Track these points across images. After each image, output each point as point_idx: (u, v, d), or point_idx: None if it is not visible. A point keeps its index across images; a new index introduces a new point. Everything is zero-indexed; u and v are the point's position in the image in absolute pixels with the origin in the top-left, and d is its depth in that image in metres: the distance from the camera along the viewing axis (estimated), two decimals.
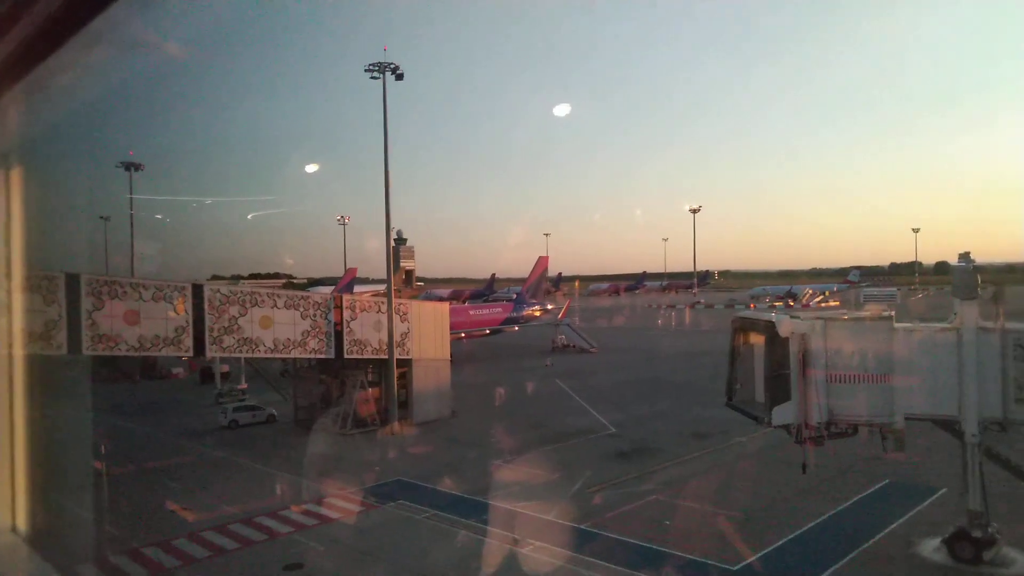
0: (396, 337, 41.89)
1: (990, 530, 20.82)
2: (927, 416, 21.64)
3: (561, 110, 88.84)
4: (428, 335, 44.97)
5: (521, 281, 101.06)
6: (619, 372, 64.21)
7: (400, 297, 52.88)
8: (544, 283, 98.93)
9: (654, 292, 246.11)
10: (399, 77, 41.88)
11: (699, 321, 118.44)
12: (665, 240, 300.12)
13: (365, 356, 41.61)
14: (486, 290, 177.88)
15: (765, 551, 22.28)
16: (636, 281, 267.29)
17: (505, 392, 53.36)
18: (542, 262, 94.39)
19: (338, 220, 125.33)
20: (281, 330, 37.94)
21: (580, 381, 58.33)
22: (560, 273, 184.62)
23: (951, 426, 21.42)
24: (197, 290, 35.60)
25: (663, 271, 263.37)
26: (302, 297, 40.26)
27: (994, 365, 20.44)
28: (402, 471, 33.19)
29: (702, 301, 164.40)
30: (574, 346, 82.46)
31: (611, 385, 56.61)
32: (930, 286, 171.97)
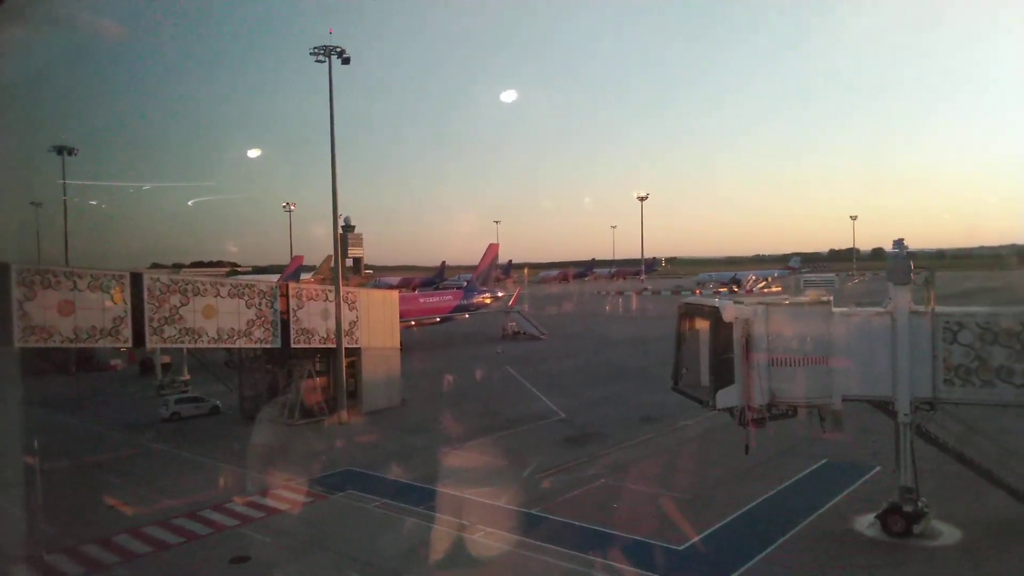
0: (344, 326, 41.36)
1: (920, 504, 21.79)
2: (863, 397, 22.45)
3: (509, 96, 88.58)
4: (377, 323, 44.54)
5: (471, 268, 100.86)
6: (569, 358, 64.80)
7: (348, 285, 52.08)
8: (494, 270, 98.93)
9: (603, 279, 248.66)
10: (345, 61, 41.11)
11: (646, 307, 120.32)
12: (614, 228, 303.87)
13: (312, 345, 40.98)
14: (436, 278, 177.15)
15: (709, 531, 22.85)
16: (585, 268, 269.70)
17: (455, 380, 53.33)
18: (492, 249, 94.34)
19: (284, 207, 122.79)
20: (225, 319, 37.04)
21: (530, 367, 58.70)
22: (510, 260, 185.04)
23: (885, 406, 22.28)
24: (136, 279, 34.44)
25: (612, 258, 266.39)
26: (247, 285, 39.32)
27: (925, 347, 21.31)
28: (351, 460, 32.89)
29: (649, 288, 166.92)
30: (524, 333, 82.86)
31: (561, 371, 57.11)
32: (867, 272, 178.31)
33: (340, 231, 48.33)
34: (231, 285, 38.39)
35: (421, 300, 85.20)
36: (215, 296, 36.84)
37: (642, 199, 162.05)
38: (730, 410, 22.73)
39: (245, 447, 34.43)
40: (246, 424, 39.82)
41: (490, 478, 28.94)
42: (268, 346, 39.52)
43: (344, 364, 41.43)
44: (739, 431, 23.18)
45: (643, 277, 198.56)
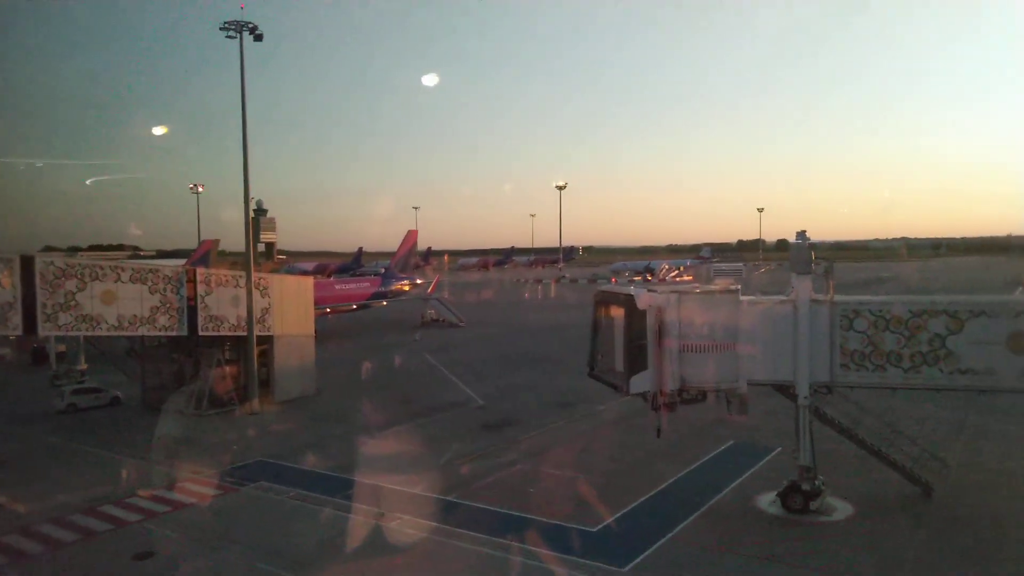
0: (256, 313, 40.02)
1: (817, 482, 23.05)
2: (767, 381, 23.51)
3: (430, 80, 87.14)
4: (291, 310, 43.34)
5: (390, 255, 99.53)
6: (488, 345, 65.01)
7: (261, 271, 50.42)
8: (413, 257, 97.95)
9: (522, 267, 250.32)
10: (258, 38, 39.50)
11: (564, 295, 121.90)
12: (533, 216, 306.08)
13: (222, 333, 39.48)
14: (353, 264, 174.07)
15: (623, 512, 23.48)
16: (504, 256, 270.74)
17: (372, 367, 52.63)
18: (411, 236, 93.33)
19: (192, 188, 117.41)
20: (126, 306, 35.19)
21: (449, 355, 58.56)
22: (430, 247, 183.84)
23: (786, 390, 23.41)
24: (27, 262, 32.24)
25: (531, 246, 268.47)
26: (150, 270, 37.44)
27: (824, 334, 22.47)
28: (263, 451, 31.96)
29: (567, 276, 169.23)
30: (443, 320, 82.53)
31: (480, 358, 57.22)
32: (772, 262, 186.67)
33: (252, 215, 46.61)
34: (133, 270, 36.46)
35: (337, 287, 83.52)
36: (115, 281, 34.94)
37: (561, 188, 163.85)
38: (643, 395, 23.35)
39: (149, 439, 32.92)
40: (150, 415, 38.04)
41: (407, 466, 28.76)
42: (174, 334, 37.82)
43: (256, 352, 40.13)
44: (652, 415, 23.88)
45: (561, 265, 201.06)
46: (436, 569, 20.10)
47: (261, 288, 41.19)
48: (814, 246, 23.39)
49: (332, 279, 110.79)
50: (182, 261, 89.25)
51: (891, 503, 23.69)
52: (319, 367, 45.64)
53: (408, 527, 22.57)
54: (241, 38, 38.97)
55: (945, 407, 33.36)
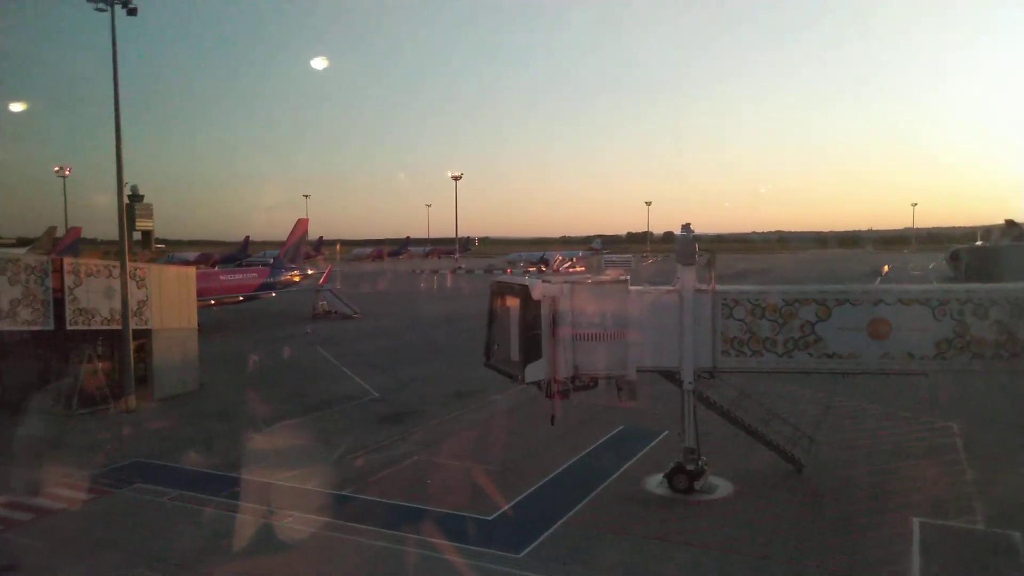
0: (132, 305, 37.55)
1: (700, 463, 24.25)
2: (654, 368, 24.44)
3: (319, 64, 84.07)
4: (171, 302, 41.01)
5: (278, 244, 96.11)
6: (383, 337, 64.10)
7: (137, 260, 47.41)
8: (304, 247, 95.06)
9: (418, 257, 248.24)
10: (131, 12, 36.85)
11: (460, 286, 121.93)
12: (429, 206, 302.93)
13: (94, 327, 36.85)
14: (239, 253, 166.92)
15: (518, 499, 23.82)
16: (400, 246, 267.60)
17: (261, 361, 50.76)
18: (302, 225, 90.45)
19: (57, 171, 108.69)
20: None
21: (342, 347, 57.34)
22: (321, 237, 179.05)
23: (672, 376, 24.43)
24: None
25: (427, 237, 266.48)
26: (10, 259, 34.36)
27: (706, 322, 23.59)
28: (140, 451, 30.14)
29: (463, 267, 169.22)
30: (336, 312, 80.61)
31: (375, 350, 56.34)
32: (659, 253, 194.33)
33: (126, 201, 43.67)
34: None
35: (222, 277, 79.75)
36: None
37: (456, 179, 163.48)
38: (538, 383, 23.74)
39: (8, 441, 30.33)
40: (9, 416, 35.00)
41: (298, 462, 27.94)
42: (38, 328, 34.95)
43: (132, 347, 37.71)
44: (546, 403, 24.33)
45: (457, 256, 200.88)
46: (328, 564, 19.69)
47: (137, 279, 38.72)
48: (698, 238, 24.44)
49: (216, 269, 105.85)
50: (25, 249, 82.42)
51: (767, 480, 25.28)
52: (203, 362, 43.53)
53: (299, 524, 21.96)
54: (113, 11, 36.28)
55: (815, 389, 35.90)
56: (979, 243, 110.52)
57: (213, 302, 69.19)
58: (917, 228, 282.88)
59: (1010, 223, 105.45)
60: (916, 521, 21.39)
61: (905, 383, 34.50)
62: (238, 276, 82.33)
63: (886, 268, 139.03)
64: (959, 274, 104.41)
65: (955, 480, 24.98)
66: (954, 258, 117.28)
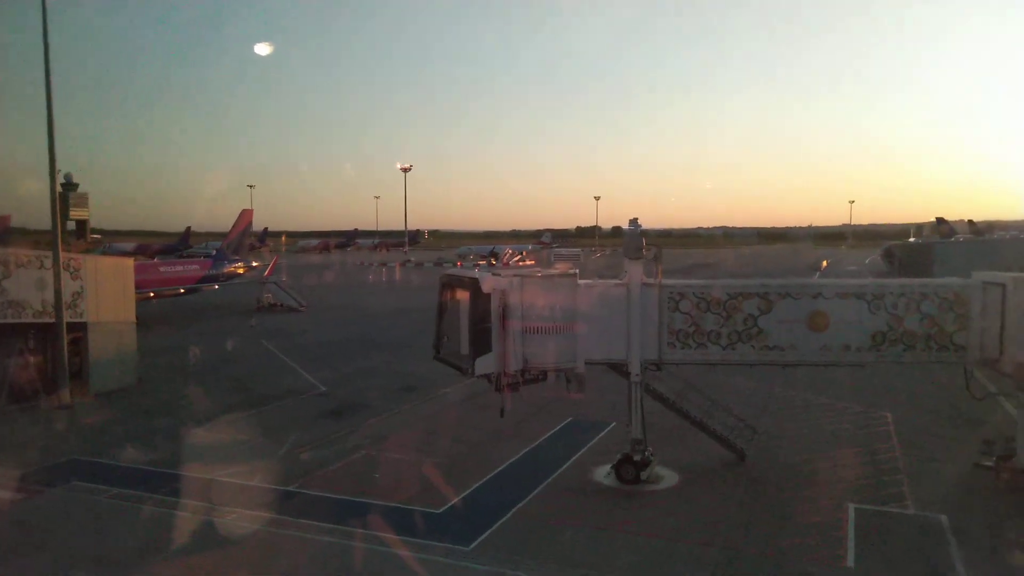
0: (66, 297, 36.13)
1: (647, 453, 24.68)
2: (602, 360, 24.74)
3: (263, 50, 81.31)
4: (108, 294, 39.61)
5: (221, 236, 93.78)
6: (330, 330, 63.21)
7: (71, 251, 45.63)
8: (248, 238, 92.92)
9: (366, 250, 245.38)
10: None
11: (410, 279, 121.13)
12: (377, 198, 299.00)
13: (24, 320, 35.34)
14: (180, 244, 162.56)
15: (467, 492, 23.83)
16: (348, 238, 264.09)
17: (203, 355, 49.46)
18: (246, 215, 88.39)
19: None
20: None
21: (288, 341, 56.35)
22: (266, 228, 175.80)
23: (620, 368, 24.77)
24: None
25: (376, 229, 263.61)
26: None
27: (653, 315, 23.98)
28: (75, 448, 29.07)
29: (412, 259, 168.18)
30: (282, 305, 79.14)
31: (321, 344, 55.53)
32: (607, 247, 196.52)
33: (59, 189, 41.94)
34: None
35: (162, 269, 77.46)
36: None
37: (405, 171, 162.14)
38: (487, 376, 23.79)
39: None
40: None
41: (242, 457, 27.37)
42: None
43: (66, 341, 36.29)
44: (496, 396, 24.38)
45: (407, 249, 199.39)
46: (273, 561, 19.34)
47: (71, 270, 37.26)
48: (645, 233, 24.79)
49: (156, 261, 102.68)
50: None
51: (711, 469, 25.90)
52: (143, 356, 42.25)
53: (243, 521, 21.49)
54: None
55: (757, 380, 36.83)
56: (912, 240, 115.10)
57: (152, 294, 67.17)
58: (854, 225, 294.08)
59: (940, 221, 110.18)
60: (851, 507, 22.21)
61: (842, 374, 35.74)
62: (179, 268, 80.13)
63: (825, 263, 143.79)
64: (893, 269, 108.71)
65: (888, 467, 26.03)
66: (888, 254, 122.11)
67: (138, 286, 46.75)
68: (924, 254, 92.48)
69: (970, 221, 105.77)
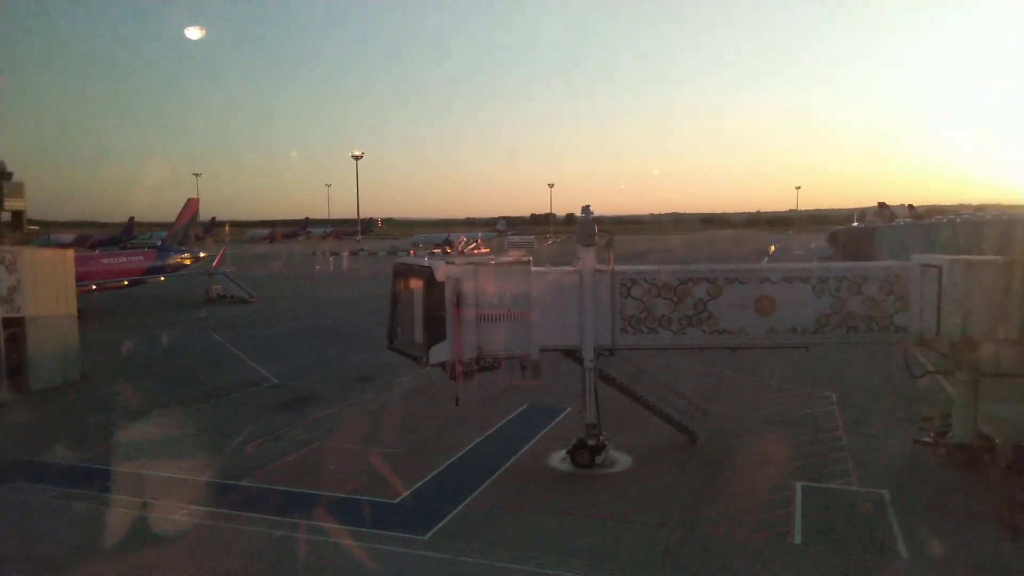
0: (2, 291, 34.80)
1: (601, 438, 24.97)
2: (556, 347, 24.89)
3: (195, 34, 77.32)
4: (47, 288, 38.22)
5: (167, 226, 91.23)
6: (281, 321, 62.21)
7: (6, 243, 43.81)
8: (194, 228, 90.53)
9: (317, 239, 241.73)
10: None
11: (362, 268, 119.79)
12: (329, 186, 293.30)
13: None
14: (123, 235, 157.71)
15: (423, 481, 23.78)
16: (298, 227, 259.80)
17: (150, 348, 48.19)
18: (192, 205, 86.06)
19: None
20: None
21: (238, 333, 55.27)
22: (214, 218, 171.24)
23: (574, 354, 24.96)
24: None
25: (327, 218, 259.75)
26: None
27: (606, 301, 24.20)
28: (15, 447, 28.05)
29: (365, 248, 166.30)
30: (231, 296, 77.50)
31: (273, 335, 54.63)
32: (561, 234, 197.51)
33: None
34: None
35: (104, 260, 75.03)
36: None
37: (357, 158, 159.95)
38: (442, 365, 23.71)
39: None
40: None
41: (191, 452, 26.80)
42: None
43: (2, 336, 34.91)
44: (450, 384, 24.32)
45: (359, 238, 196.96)
46: (226, 555, 18.97)
47: (7, 263, 35.82)
48: (598, 220, 24.97)
49: (97, 252, 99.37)
50: None
51: (664, 452, 26.36)
52: (86, 350, 41.00)
53: (194, 516, 21.08)
54: None
55: (707, 364, 37.59)
56: (855, 224, 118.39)
57: (95, 287, 65.10)
58: (801, 210, 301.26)
59: (882, 205, 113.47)
60: (798, 485, 22.89)
61: (789, 356, 36.69)
62: (122, 259, 77.87)
63: (772, 248, 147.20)
64: (837, 253, 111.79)
65: (833, 445, 26.88)
66: (833, 238, 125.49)
67: (79, 278, 45.28)
68: (867, 238, 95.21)
69: (910, 206, 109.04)
